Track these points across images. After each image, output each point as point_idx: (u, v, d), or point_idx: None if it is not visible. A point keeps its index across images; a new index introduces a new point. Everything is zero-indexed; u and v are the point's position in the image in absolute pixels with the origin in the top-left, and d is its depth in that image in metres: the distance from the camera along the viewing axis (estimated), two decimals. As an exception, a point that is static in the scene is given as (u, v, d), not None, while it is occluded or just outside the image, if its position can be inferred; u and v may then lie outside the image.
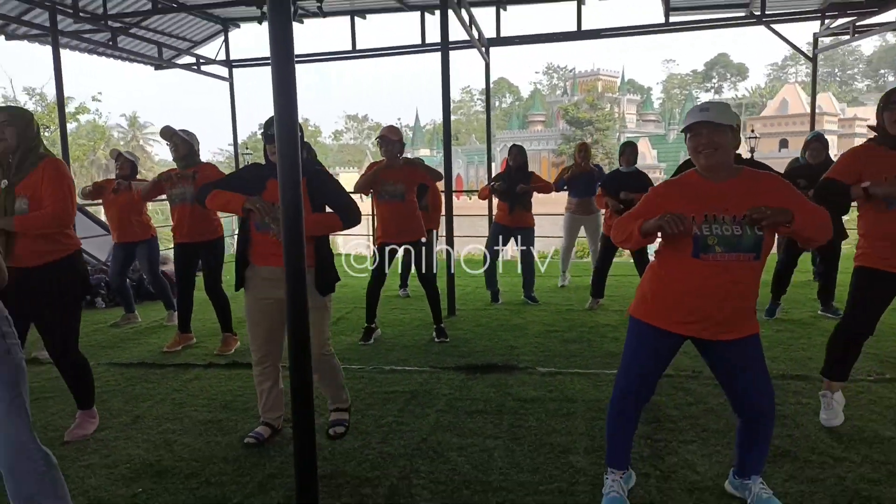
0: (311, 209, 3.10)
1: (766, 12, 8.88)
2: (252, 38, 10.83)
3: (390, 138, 5.01)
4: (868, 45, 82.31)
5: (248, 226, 3.15)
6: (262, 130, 3.08)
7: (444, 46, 6.38)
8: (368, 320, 5.22)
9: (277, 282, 3.00)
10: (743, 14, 9.25)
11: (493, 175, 6.89)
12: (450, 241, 6.33)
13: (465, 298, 6.94)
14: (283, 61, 2.25)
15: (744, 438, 2.47)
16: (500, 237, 6.55)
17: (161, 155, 52.51)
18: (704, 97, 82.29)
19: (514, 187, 6.30)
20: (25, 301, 3.16)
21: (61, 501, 2.16)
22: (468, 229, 11.08)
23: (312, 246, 3.10)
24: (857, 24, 8.90)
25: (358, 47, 10.00)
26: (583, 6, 9.15)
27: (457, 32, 8.16)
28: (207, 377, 4.39)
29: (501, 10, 9.37)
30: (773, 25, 9.30)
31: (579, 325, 5.58)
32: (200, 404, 3.85)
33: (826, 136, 5.62)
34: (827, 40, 10.72)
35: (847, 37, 9.31)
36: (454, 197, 6.78)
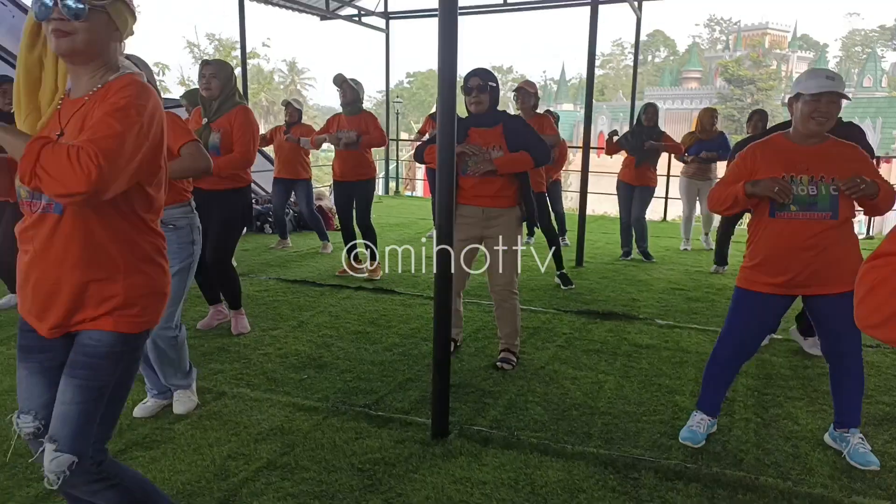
0: (509, 152, 3.46)
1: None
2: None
3: (528, 90, 5.32)
4: None
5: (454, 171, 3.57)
6: (462, 84, 3.43)
7: (594, 3, 6.46)
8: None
9: (477, 219, 3.53)
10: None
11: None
12: (583, 196, 6.54)
13: (595, 252, 7.16)
14: (448, 16, 2.59)
15: (834, 381, 2.67)
16: (626, 197, 6.65)
17: (314, 99, 55.80)
18: (891, 57, 73.05)
19: (643, 142, 6.37)
20: (203, 216, 3.93)
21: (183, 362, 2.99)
22: (607, 187, 11.09)
23: (516, 187, 3.52)
24: None
25: (509, 1, 10.18)
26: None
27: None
28: (357, 298, 5.03)
29: (659, -37, 9.14)
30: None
31: (705, 285, 5.66)
32: (352, 318, 4.48)
33: None
34: None
35: None
36: (595, 154, 6.97)
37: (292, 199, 7.26)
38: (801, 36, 65.41)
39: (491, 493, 2.38)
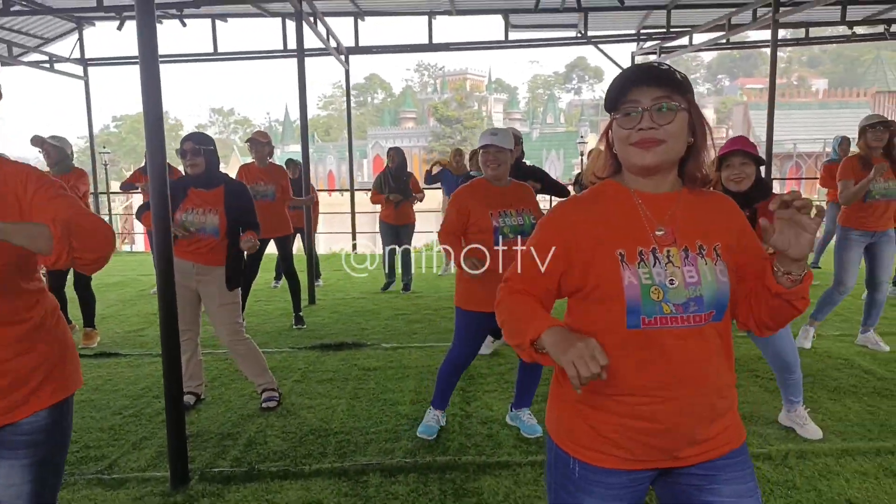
0: (225, 216, 3.62)
1: (591, 34, 10.20)
2: (108, 37, 10.70)
3: (260, 140, 5.56)
4: (707, 54, 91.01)
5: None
6: (178, 147, 3.62)
7: (300, 57, 6.95)
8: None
9: (189, 273, 3.64)
10: (574, 34, 10.53)
11: (375, 178, 7.41)
12: (310, 236, 6.92)
13: (327, 288, 7.57)
14: (149, 65, 2.72)
15: (521, 378, 3.37)
16: (389, 234, 7.18)
17: None
18: (565, 97, 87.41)
19: (399, 188, 6.97)
20: None
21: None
22: (338, 225, 11.67)
23: (225, 245, 3.66)
24: (662, 46, 10.49)
25: (220, 49, 10.26)
26: (434, 20, 10.01)
27: (318, 40, 8.72)
28: (77, 366, 4.72)
29: (360, 21, 10.02)
30: (599, 45, 10.67)
31: (424, 308, 6.41)
32: (72, 389, 4.22)
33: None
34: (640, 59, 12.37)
35: (654, 56, 10.87)
36: (326, 194, 7.46)
37: None
38: (495, 80, 74.93)
39: (235, 524, 2.56)
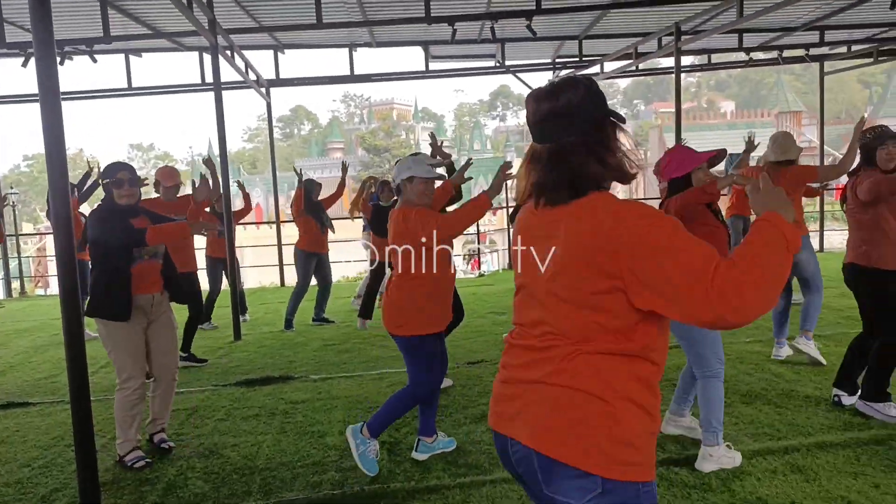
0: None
1: (509, 63, 10.52)
2: (15, 73, 10.27)
3: (165, 185, 5.42)
4: (623, 80, 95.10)
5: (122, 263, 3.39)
6: (106, 178, 3.42)
7: (217, 90, 6.86)
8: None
9: (148, 306, 3.51)
10: (493, 64, 10.84)
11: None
12: (233, 270, 6.75)
13: (253, 322, 7.40)
14: (50, 104, 2.67)
15: (422, 408, 3.34)
16: (307, 264, 6.96)
17: None
18: (491, 124, 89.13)
19: (317, 214, 6.91)
20: None
21: None
22: (268, 258, 11.47)
23: (159, 271, 3.56)
24: (577, 74, 10.93)
25: (135, 84, 10.00)
26: (354, 52, 10.10)
27: (237, 73, 8.62)
28: (-21, 420, 4.42)
29: (280, 54, 9.99)
30: (518, 74, 11.01)
31: (353, 337, 6.35)
32: (-26, 444, 3.95)
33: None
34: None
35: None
36: (255, 227, 7.34)
37: None
38: (422, 109, 75.64)
39: (152, 572, 2.45)
